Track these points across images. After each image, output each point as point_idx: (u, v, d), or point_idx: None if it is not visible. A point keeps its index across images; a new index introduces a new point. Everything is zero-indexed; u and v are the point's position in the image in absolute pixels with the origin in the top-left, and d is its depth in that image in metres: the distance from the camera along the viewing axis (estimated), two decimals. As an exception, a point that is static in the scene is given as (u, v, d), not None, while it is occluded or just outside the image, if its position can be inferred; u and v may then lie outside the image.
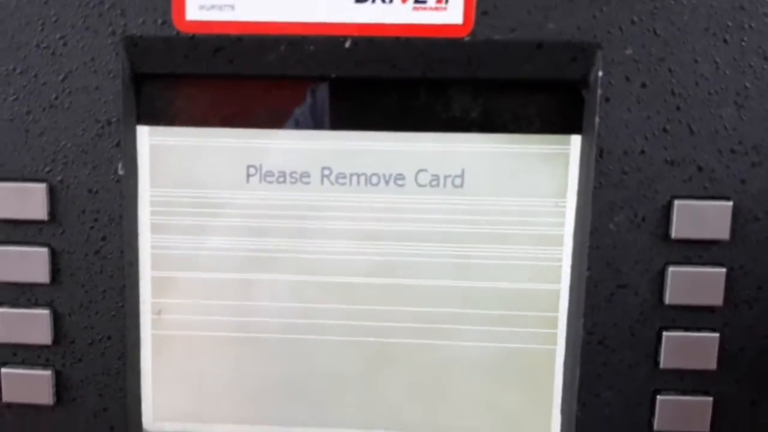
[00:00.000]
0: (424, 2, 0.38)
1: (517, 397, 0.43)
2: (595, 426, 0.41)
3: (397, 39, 0.38)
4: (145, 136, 0.42)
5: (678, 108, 0.38)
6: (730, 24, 0.37)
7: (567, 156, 0.41)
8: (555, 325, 0.42)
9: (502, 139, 0.41)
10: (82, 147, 0.40)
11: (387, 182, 0.42)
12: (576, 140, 0.40)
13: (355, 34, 0.38)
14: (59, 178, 0.40)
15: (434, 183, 0.41)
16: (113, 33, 0.39)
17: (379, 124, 0.41)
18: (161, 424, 0.45)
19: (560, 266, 0.42)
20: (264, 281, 0.43)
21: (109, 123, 0.40)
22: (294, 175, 0.42)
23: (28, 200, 0.41)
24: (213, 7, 0.38)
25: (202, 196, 0.43)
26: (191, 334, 0.44)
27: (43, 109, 0.40)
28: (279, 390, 0.44)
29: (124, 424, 0.43)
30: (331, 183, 0.42)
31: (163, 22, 0.39)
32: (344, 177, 0.42)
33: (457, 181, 0.41)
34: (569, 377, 0.42)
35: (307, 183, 0.42)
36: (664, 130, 0.38)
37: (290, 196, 0.42)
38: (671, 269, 0.39)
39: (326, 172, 0.42)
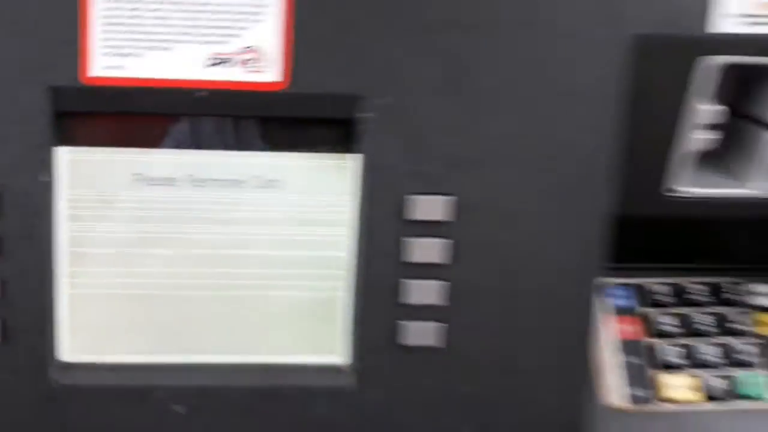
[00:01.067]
0: (256, 66, 0.51)
1: (316, 327, 0.55)
2: (364, 340, 0.54)
3: (235, 91, 0.50)
4: (65, 153, 0.51)
5: (415, 136, 0.51)
6: (450, 78, 0.50)
7: (349, 168, 0.52)
8: (340, 279, 0.54)
9: (307, 156, 0.52)
10: (20, 163, 0.50)
11: (231, 184, 0.52)
12: (356, 157, 0.52)
13: (205, 87, 0.50)
14: (3, 183, 0.50)
15: (263, 185, 0.53)
16: (41, 83, 0.48)
17: (224, 145, 0.52)
18: (76, 355, 0.53)
19: (345, 239, 0.53)
20: (151, 254, 0.53)
21: (40, 146, 0.50)
22: (167, 179, 0.52)
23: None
24: (109, 67, 0.49)
25: (103, 194, 0.52)
26: (99, 293, 0.53)
27: (-8, 137, 0.48)
28: (164, 329, 0.54)
29: (51, 356, 0.52)
30: (194, 185, 0.52)
31: (74, 77, 0.48)
32: (203, 180, 0.52)
33: (279, 184, 0.53)
34: (350, 312, 0.54)
35: (177, 185, 0.52)
36: (405, 150, 0.51)
37: (166, 193, 0.52)
38: (407, 239, 0.52)
39: (190, 177, 0.52)
